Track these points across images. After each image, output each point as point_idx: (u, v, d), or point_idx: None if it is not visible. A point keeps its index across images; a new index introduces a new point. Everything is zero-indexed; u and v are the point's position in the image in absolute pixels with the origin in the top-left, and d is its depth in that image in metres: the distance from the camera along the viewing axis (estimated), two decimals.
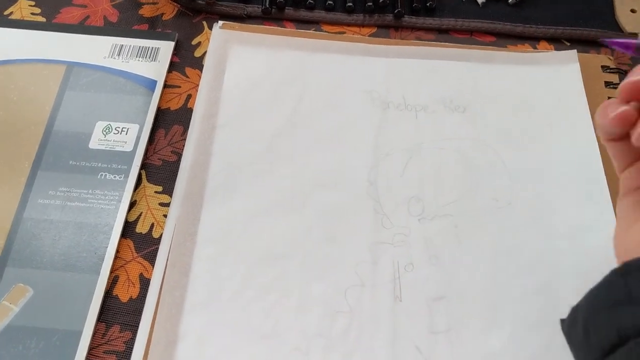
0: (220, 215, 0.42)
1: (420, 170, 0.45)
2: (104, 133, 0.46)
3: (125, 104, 0.47)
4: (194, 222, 0.42)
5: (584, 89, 0.49)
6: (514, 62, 0.51)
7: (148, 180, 0.45)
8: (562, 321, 0.31)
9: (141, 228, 0.42)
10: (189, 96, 0.49)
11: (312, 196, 0.43)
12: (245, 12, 0.53)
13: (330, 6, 0.54)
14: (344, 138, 0.46)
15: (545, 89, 0.49)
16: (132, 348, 0.37)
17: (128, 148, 0.45)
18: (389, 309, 0.39)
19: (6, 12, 0.53)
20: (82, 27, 0.52)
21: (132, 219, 0.43)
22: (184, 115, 0.48)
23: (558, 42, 0.53)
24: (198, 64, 0.50)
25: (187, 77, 0.50)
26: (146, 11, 0.54)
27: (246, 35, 0.51)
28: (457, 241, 0.42)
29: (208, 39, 0.52)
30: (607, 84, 0.50)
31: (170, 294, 0.39)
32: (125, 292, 0.40)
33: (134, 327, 0.38)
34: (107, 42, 0.51)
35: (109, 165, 0.44)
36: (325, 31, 0.53)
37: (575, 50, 0.51)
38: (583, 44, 0.52)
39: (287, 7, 0.54)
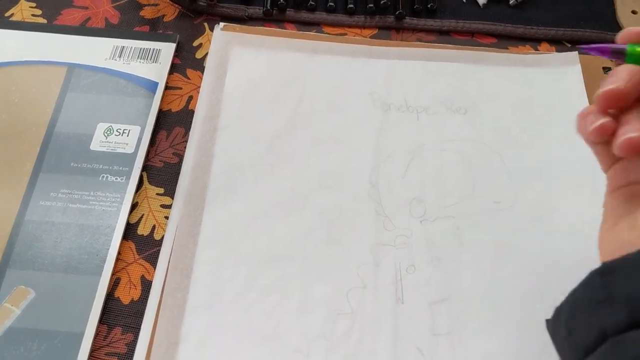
0: (222, 217, 0.42)
1: (421, 172, 0.45)
2: (106, 135, 0.46)
3: (127, 105, 0.47)
4: (195, 223, 0.42)
5: (585, 91, 0.49)
6: (515, 63, 0.51)
7: (149, 182, 0.45)
8: (547, 321, 0.32)
9: (143, 230, 0.42)
10: (190, 98, 0.49)
11: (314, 198, 0.43)
12: (247, 14, 0.53)
13: (332, 8, 0.54)
14: (346, 140, 0.46)
15: (547, 91, 0.49)
16: (134, 350, 0.37)
17: (129, 150, 0.45)
18: (390, 311, 0.39)
19: (7, 14, 0.53)
20: (83, 29, 0.52)
21: (133, 220, 0.43)
22: (185, 117, 0.48)
23: (559, 43, 0.53)
24: (199, 66, 0.50)
25: (189, 78, 0.50)
26: (147, 13, 0.54)
27: (247, 37, 0.51)
28: (458, 243, 0.42)
29: (209, 41, 0.52)
30: None
31: (172, 296, 0.39)
32: (126, 294, 0.40)
33: (135, 329, 0.38)
34: (109, 44, 0.51)
35: (111, 167, 0.44)
36: (327, 33, 0.53)
37: (577, 52, 0.51)
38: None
39: (288, 9, 0.54)
